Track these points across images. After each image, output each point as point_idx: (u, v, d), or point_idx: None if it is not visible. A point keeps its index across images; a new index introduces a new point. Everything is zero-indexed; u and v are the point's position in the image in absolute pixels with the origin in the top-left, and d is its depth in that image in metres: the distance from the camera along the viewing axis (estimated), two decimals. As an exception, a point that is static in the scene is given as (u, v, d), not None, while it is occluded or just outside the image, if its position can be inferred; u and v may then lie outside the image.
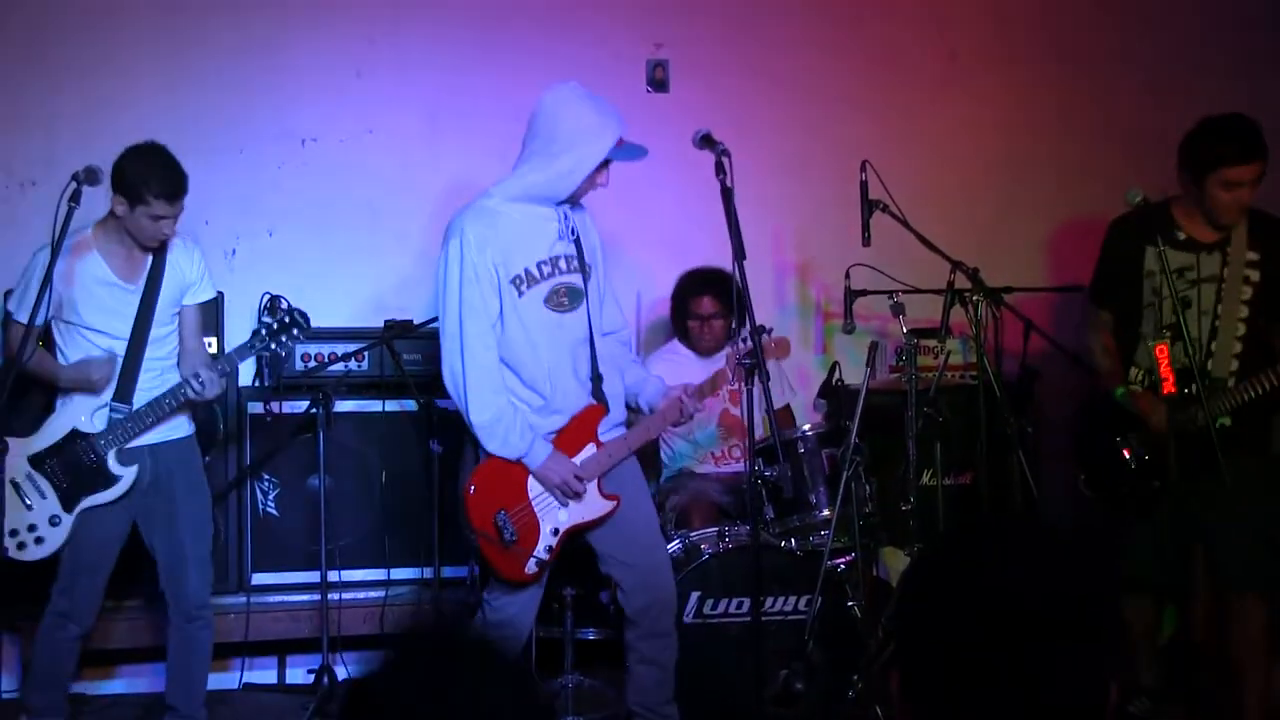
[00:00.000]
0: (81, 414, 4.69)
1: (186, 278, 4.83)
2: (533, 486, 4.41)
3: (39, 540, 4.63)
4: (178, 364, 4.82)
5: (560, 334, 4.41)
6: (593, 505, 4.48)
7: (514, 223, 4.34)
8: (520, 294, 4.34)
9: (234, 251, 6.15)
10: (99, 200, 4.67)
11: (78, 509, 4.68)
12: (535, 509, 4.41)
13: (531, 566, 4.41)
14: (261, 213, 6.21)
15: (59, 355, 4.70)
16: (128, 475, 4.72)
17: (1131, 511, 4.90)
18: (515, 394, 4.38)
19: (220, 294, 5.74)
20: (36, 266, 4.56)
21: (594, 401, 4.47)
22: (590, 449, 4.45)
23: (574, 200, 4.47)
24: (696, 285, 5.88)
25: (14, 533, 4.57)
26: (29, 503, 4.62)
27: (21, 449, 4.60)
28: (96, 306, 4.67)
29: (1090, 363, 5.10)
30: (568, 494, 4.39)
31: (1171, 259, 4.72)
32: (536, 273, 4.36)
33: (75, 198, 4.24)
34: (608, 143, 4.30)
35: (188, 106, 6.07)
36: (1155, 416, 4.75)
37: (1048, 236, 6.83)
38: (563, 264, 4.41)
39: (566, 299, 4.41)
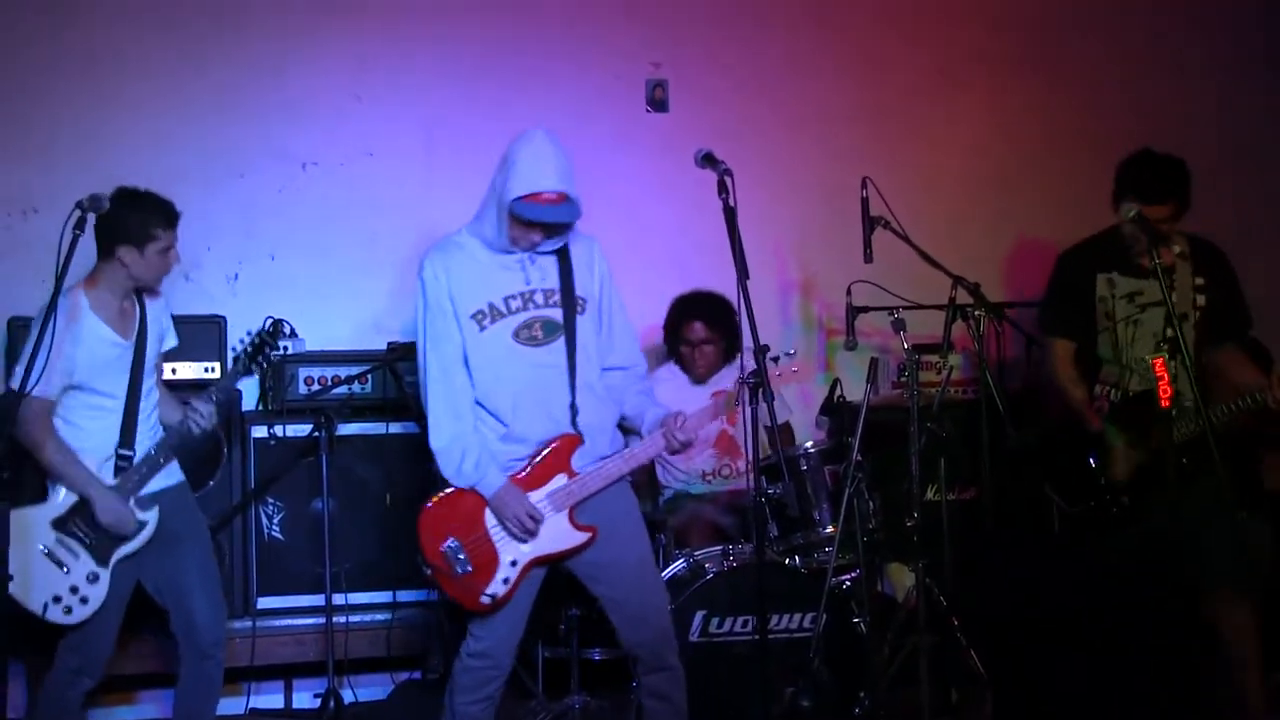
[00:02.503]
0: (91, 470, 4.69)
1: (163, 326, 4.89)
2: (489, 516, 4.32)
3: (84, 600, 4.63)
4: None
5: (531, 367, 4.32)
6: (562, 536, 4.35)
7: (477, 259, 4.32)
8: (481, 328, 4.30)
9: (236, 276, 6.17)
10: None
11: (113, 561, 4.69)
12: (493, 539, 4.31)
13: (485, 599, 4.29)
14: (263, 237, 6.23)
15: (58, 421, 4.65)
16: (151, 519, 4.74)
17: (1103, 526, 5.01)
18: (483, 421, 4.34)
19: (223, 318, 5.76)
20: (52, 339, 4.44)
21: (571, 432, 4.37)
22: (561, 479, 4.34)
23: (535, 247, 4.34)
24: (688, 311, 5.88)
25: (57, 599, 4.59)
26: (65, 566, 4.62)
27: (42, 515, 4.62)
28: (103, 368, 4.68)
29: (1061, 390, 5.16)
30: (520, 531, 4.29)
31: (1121, 285, 4.99)
32: (503, 307, 4.31)
33: (80, 225, 4.20)
34: (511, 192, 4.19)
35: (188, 133, 6.11)
36: (1122, 465, 4.91)
37: (1050, 251, 6.83)
38: (539, 298, 4.34)
39: (541, 332, 4.33)
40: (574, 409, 4.35)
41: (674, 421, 4.36)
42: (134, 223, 4.60)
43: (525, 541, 4.31)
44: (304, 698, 5.90)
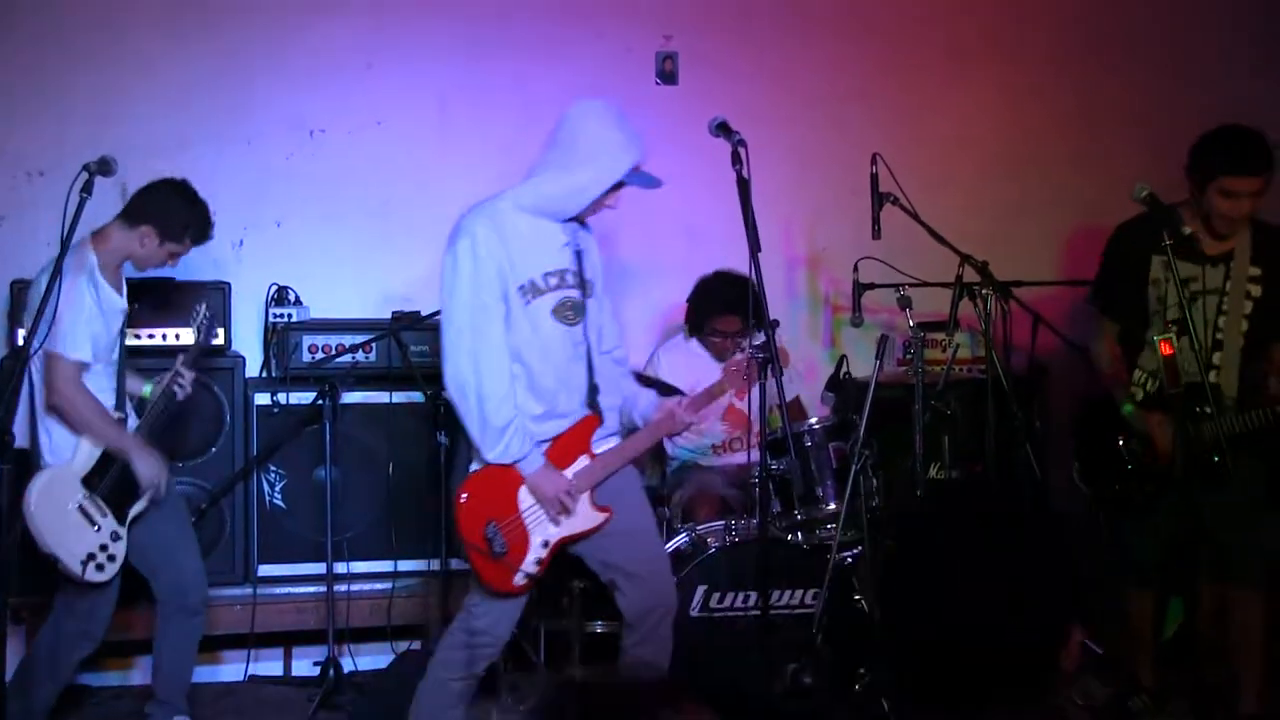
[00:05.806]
0: None
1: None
2: (524, 498, 4.30)
3: (111, 558, 4.65)
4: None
5: (566, 345, 4.33)
6: (584, 517, 4.36)
7: (522, 231, 4.24)
8: (527, 303, 4.25)
9: (241, 242, 6.14)
10: (108, 192, 4.66)
11: (127, 520, 4.72)
12: (525, 521, 4.31)
13: (520, 579, 4.30)
14: (269, 203, 6.20)
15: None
16: None
17: (1124, 511, 4.98)
18: (518, 399, 4.29)
19: (228, 284, 5.75)
20: (79, 298, 4.54)
21: (589, 412, 4.39)
22: (584, 460, 4.36)
23: (582, 219, 4.39)
24: (724, 303, 5.77)
25: (91, 556, 4.59)
26: (97, 524, 4.63)
27: (72, 472, 4.62)
28: (114, 334, 4.75)
29: (1098, 368, 5.07)
30: (559, 510, 4.30)
31: (1177, 269, 4.76)
32: (543, 284, 4.28)
33: (88, 188, 4.17)
34: (626, 164, 4.20)
35: (196, 96, 6.07)
36: (1161, 441, 4.81)
37: (1056, 231, 6.82)
38: (569, 278, 4.33)
39: (572, 313, 4.32)
40: (594, 389, 4.37)
41: (677, 405, 4.42)
42: (177, 216, 4.74)
43: (557, 523, 4.32)
44: (304, 665, 5.89)
